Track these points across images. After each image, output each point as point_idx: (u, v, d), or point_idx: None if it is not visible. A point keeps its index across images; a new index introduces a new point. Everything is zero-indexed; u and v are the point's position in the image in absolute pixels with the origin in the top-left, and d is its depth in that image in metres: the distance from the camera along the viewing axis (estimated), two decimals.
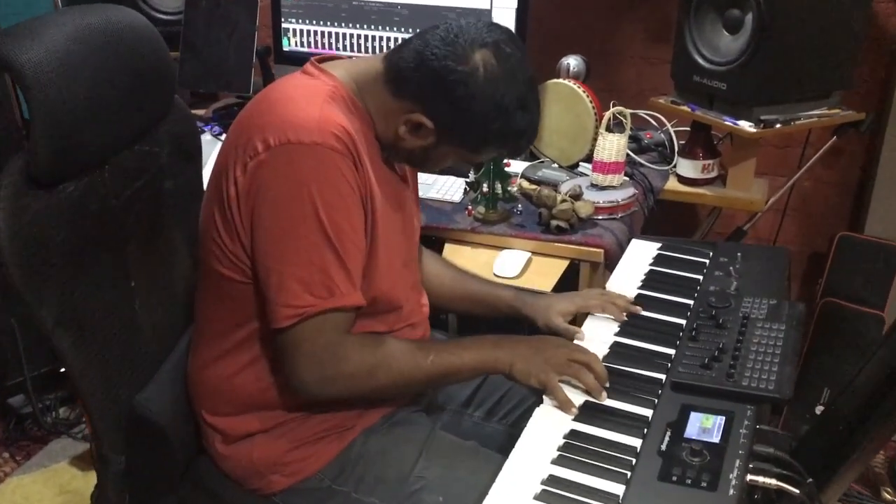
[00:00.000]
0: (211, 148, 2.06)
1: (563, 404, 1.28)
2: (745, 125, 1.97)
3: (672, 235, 1.97)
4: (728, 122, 2.00)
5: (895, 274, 2.33)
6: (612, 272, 1.85)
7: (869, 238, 2.37)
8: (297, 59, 2.48)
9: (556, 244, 1.88)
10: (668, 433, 1.20)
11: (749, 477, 1.12)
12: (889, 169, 2.30)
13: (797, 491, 1.14)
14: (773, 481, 1.14)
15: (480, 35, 1.26)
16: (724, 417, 1.22)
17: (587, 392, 1.31)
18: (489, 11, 2.24)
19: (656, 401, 1.29)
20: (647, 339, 1.46)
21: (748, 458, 1.14)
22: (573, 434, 1.23)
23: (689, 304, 1.56)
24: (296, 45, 2.50)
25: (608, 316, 1.53)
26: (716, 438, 1.18)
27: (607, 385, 1.33)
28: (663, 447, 1.18)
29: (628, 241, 1.88)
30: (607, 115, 2.00)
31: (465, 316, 1.69)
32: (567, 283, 1.84)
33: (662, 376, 1.36)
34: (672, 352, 1.42)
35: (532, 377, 1.33)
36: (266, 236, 1.24)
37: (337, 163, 1.23)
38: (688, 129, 2.28)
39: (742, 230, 2.29)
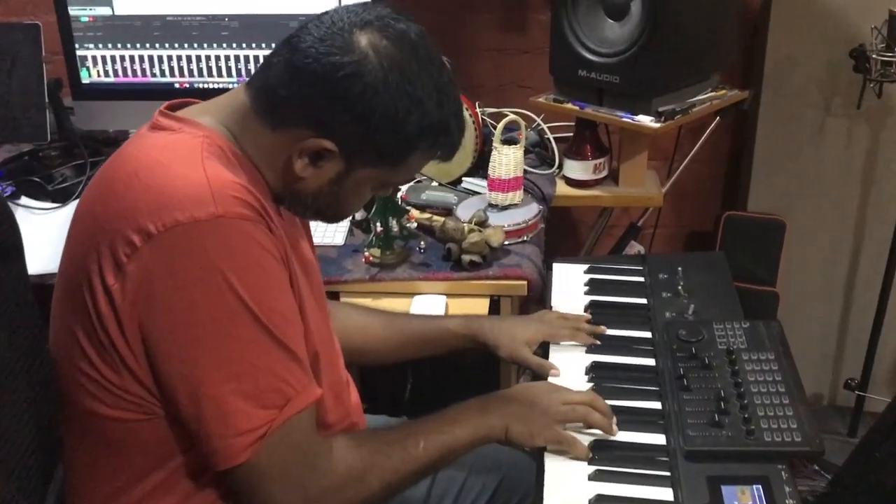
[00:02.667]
0: None
1: (582, 454, 1.13)
2: (647, 120, 1.82)
3: (561, 244, 1.81)
4: (626, 119, 1.84)
5: (782, 248, 2.31)
6: (536, 304, 1.66)
7: (753, 215, 2.33)
8: (103, 93, 2.05)
9: (473, 282, 1.64)
10: None
11: None
12: (765, 145, 2.26)
13: None
14: None
15: (357, 15, 0.99)
16: (760, 486, 1.05)
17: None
18: None
19: (672, 475, 1.10)
20: (629, 396, 1.26)
21: None
22: None
23: (651, 338, 1.38)
24: (98, 75, 2.05)
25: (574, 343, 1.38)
26: None
27: (615, 421, 1.18)
28: None
29: (544, 266, 1.69)
30: (500, 126, 1.77)
31: (407, 362, 1.45)
32: None
33: (662, 438, 1.17)
34: (658, 405, 1.24)
35: (536, 437, 1.15)
36: (179, 355, 0.93)
37: (249, 233, 0.95)
38: (563, 124, 2.12)
39: (637, 226, 2.16)
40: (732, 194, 2.46)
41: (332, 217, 1.13)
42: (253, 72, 1.10)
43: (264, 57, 1.05)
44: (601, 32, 1.84)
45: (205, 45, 2.01)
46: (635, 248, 2.17)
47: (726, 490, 1.05)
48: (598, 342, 1.38)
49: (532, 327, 1.38)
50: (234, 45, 2.00)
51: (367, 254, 1.68)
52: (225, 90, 2.02)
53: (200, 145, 0.98)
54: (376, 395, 2.02)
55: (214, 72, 2.02)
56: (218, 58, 2.01)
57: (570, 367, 1.33)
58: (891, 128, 2.16)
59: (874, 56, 1.95)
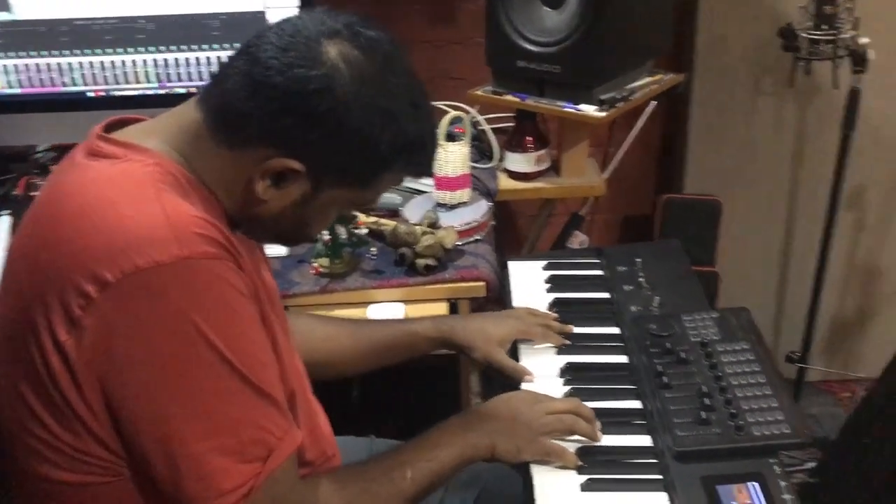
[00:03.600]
0: None
1: (571, 462, 1.10)
2: (591, 110, 1.78)
3: (500, 238, 1.77)
4: (569, 109, 1.80)
5: (718, 228, 2.33)
6: (492, 303, 1.61)
7: (690, 197, 2.34)
8: (7, 105, 1.89)
9: (429, 286, 1.58)
10: None
11: None
12: (699, 127, 2.27)
13: None
14: None
15: (324, 23, 0.91)
16: (756, 484, 1.03)
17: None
18: (263, 14, 1.83)
19: (665, 478, 1.07)
20: (606, 396, 1.23)
21: None
22: None
23: (620, 334, 1.36)
24: (1, 86, 1.89)
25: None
26: None
27: (599, 427, 1.15)
28: None
29: (499, 264, 1.64)
30: (444, 121, 1.71)
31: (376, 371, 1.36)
32: None
33: (648, 439, 1.14)
34: (640, 404, 1.21)
35: (523, 452, 1.11)
36: (150, 413, 0.84)
37: (218, 273, 0.86)
38: (499, 115, 2.07)
39: (580, 216, 2.13)
40: (669, 178, 2.47)
41: (294, 241, 1.06)
42: (198, 83, 1.01)
43: (216, 69, 0.96)
44: (538, 22, 1.80)
45: (119, 50, 1.86)
46: (579, 237, 2.14)
47: (722, 490, 1.03)
48: (569, 342, 1.34)
49: (505, 325, 1.33)
50: (152, 49, 1.86)
51: (314, 264, 1.59)
52: (144, 97, 1.97)
53: (153, 176, 0.89)
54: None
55: (131, 78, 1.88)
56: (134, 63, 1.87)
57: (544, 370, 1.29)
58: (818, 105, 2.20)
59: (802, 34, 1.97)
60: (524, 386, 1.26)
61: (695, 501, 1.02)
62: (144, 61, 1.87)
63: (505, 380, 1.29)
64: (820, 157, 2.23)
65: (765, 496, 1.01)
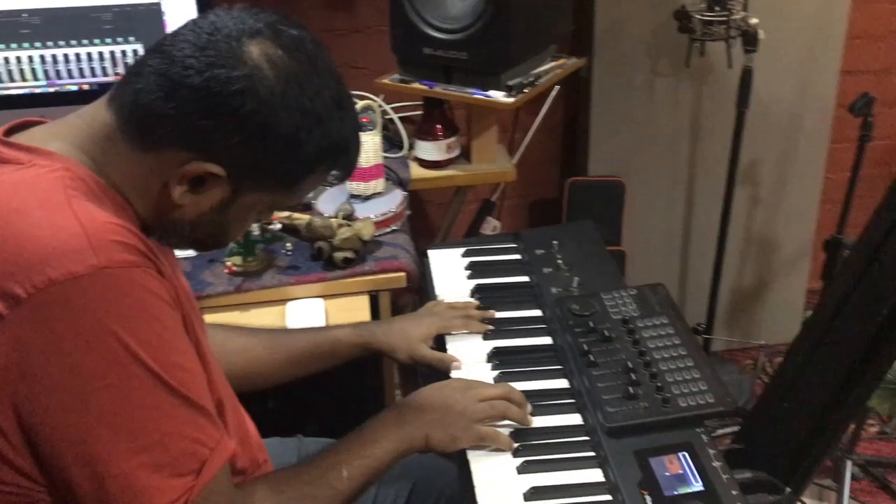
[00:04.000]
0: None
1: (506, 445, 1.11)
2: (500, 95, 1.79)
3: (412, 228, 1.76)
4: (478, 95, 1.81)
5: (623, 207, 2.39)
6: (415, 293, 1.61)
7: (594, 179, 2.39)
8: None
9: (349, 280, 1.55)
10: (648, 497, 1.01)
11: None
12: (601, 110, 2.32)
13: None
14: None
15: (244, 21, 0.87)
16: (685, 453, 1.07)
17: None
18: (158, 6, 1.75)
19: (598, 455, 1.09)
20: (534, 377, 1.24)
21: (745, 499, 1.00)
22: None
23: (542, 316, 1.37)
24: None
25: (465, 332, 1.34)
26: (698, 485, 1.02)
27: (530, 409, 1.16)
28: None
29: (418, 253, 1.63)
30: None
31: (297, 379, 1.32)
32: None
33: (578, 418, 1.16)
34: (567, 383, 1.22)
35: (458, 441, 1.11)
36: (73, 435, 0.79)
37: (138, 281, 0.82)
38: (406, 104, 2.06)
39: (491, 202, 2.15)
40: (573, 161, 2.51)
41: (211, 246, 1.01)
42: (111, 83, 0.93)
43: (128, 67, 0.91)
44: (443, 8, 1.80)
45: (2, 46, 1.75)
46: (492, 223, 2.16)
47: (654, 462, 1.06)
48: (492, 327, 1.35)
49: (424, 323, 1.33)
50: (38, 45, 1.76)
51: (228, 263, 1.54)
52: (32, 96, 1.86)
53: (61, 181, 0.83)
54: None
55: (16, 76, 1.77)
56: (19, 59, 1.76)
57: (471, 357, 1.29)
58: (712, 84, 2.28)
59: (696, 16, 2.04)
60: (454, 374, 1.25)
61: (629, 475, 1.04)
62: (30, 58, 1.76)
63: (435, 373, 1.29)
64: (716, 136, 2.32)
65: (695, 464, 1.05)
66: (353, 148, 0.96)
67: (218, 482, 0.86)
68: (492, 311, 1.37)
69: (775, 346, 2.64)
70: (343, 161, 0.96)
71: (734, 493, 1.00)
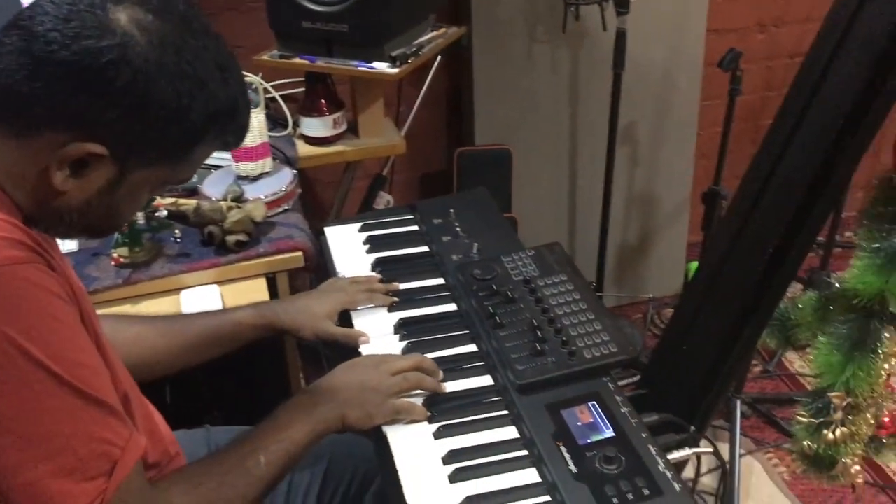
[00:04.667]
0: None
1: (422, 415, 1.10)
2: (384, 67, 1.78)
3: (307, 207, 1.75)
4: (362, 68, 1.79)
5: (511, 174, 2.43)
6: (312, 273, 1.58)
7: (482, 148, 2.41)
8: None
9: (243, 263, 1.51)
10: (563, 448, 1.03)
11: (670, 458, 1.03)
12: (483, 79, 2.34)
13: (710, 450, 1.08)
14: (689, 452, 1.06)
15: None
16: (594, 402, 1.10)
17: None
18: None
19: (511, 412, 1.11)
20: (443, 345, 1.24)
21: (655, 440, 1.04)
22: (469, 502, 0.98)
23: (445, 284, 1.38)
24: None
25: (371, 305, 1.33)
26: (609, 431, 1.05)
27: (440, 374, 1.17)
28: (573, 468, 1.00)
29: (314, 232, 1.61)
30: None
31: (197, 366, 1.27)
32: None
33: (489, 379, 1.18)
34: (475, 347, 1.24)
35: (374, 417, 1.09)
36: None
37: (29, 278, 0.78)
38: (287, 81, 2.02)
39: (383, 176, 2.13)
40: (460, 131, 2.52)
41: (102, 232, 0.96)
42: None
43: None
44: None
45: None
46: (384, 198, 2.15)
47: (566, 413, 1.08)
48: (397, 300, 1.34)
49: (328, 300, 1.30)
50: None
51: (114, 255, 1.48)
52: None
53: None
54: None
55: None
56: None
57: (378, 330, 1.28)
58: (588, 48, 2.34)
59: None
60: (363, 349, 1.24)
61: (542, 429, 1.06)
62: None
63: (343, 349, 1.27)
64: (595, 99, 2.39)
65: (604, 412, 1.08)
66: (243, 110, 0.92)
67: (131, 481, 0.83)
68: (395, 284, 1.37)
69: (662, 298, 2.76)
70: (233, 125, 0.92)
71: (644, 435, 1.04)
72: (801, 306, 1.23)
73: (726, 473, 1.07)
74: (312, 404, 1.07)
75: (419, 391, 1.14)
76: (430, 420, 1.11)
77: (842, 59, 0.99)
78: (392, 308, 1.33)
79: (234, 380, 1.77)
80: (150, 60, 0.81)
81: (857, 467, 1.09)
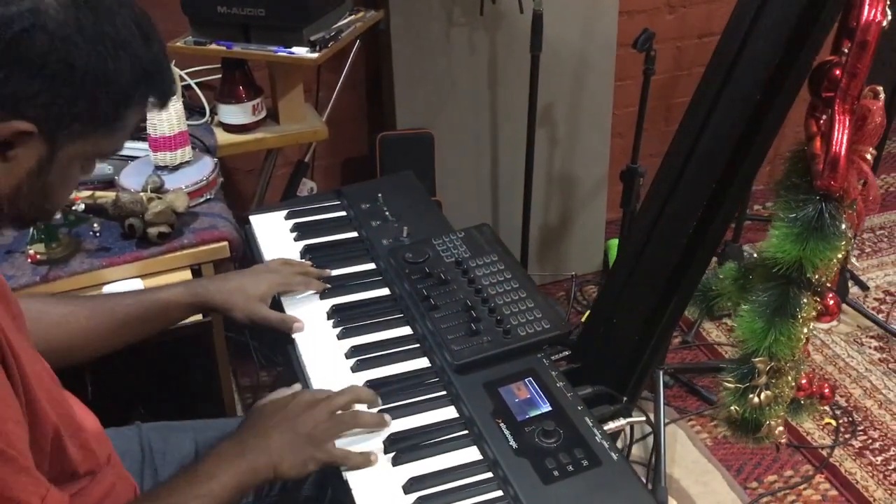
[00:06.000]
0: None
1: (364, 463, 1.02)
2: (304, 52, 1.75)
3: (228, 197, 1.71)
4: (281, 53, 1.76)
5: (434, 158, 2.43)
6: (238, 263, 1.56)
7: (403, 132, 2.40)
8: None
9: (167, 256, 1.48)
10: (502, 425, 1.05)
11: (606, 429, 1.06)
12: (402, 63, 2.32)
13: (643, 418, 1.12)
14: (623, 421, 1.09)
15: None
16: (531, 378, 1.12)
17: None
18: None
19: (449, 392, 1.12)
20: (377, 329, 1.25)
21: (590, 412, 1.07)
22: (412, 483, 0.99)
23: (376, 268, 1.38)
24: None
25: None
26: (546, 406, 1.08)
27: (379, 402, 1.10)
28: (513, 444, 1.02)
29: (238, 222, 1.58)
30: None
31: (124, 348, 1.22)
32: None
33: (425, 361, 1.19)
34: (410, 330, 1.24)
35: (310, 463, 1.02)
36: None
37: None
38: (202, 68, 1.98)
39: (305, 163, 2.11)
40: (381, 116, 2.51)
41: (36, 219, 0.90)
42: None
43: None
44: None
45: None
46: (308, 185, 2.13)
47: (504, 391, 1.10)
48: (329, 286, 1.33)
49: (263, 280, 1.27)
50: None
51: (30, 251, 1.42)
52: None
53: None
54: None
55: None
56: None
57: (311, 317, 1.27)
58: (506, 30, 2.35)
59: None
60: (297, 337, 1.22)
61: (481, 407, 1.08)
62: None
63: (274, 334, 1.25)
64: (513, 82, 2.41)
65: (541, 387, 1.10)
66: (166, 68, 0.89)
67: None
68: (328, 270, 1.35)
69: (583, 275, 2.82)
70: (158, 84, 0.88)
71: (580, 408, 1.07)
72: (721, 276, 1.28)
73: (656, 435, 1.10)
74: (240, 454, 1.00)
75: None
76: (370, 406, 1.10)
77: (755, 36, 1.03)
78: (324, 295, 1.31)
79: (161, 374, 1.73)
80: (67, 24, 0.77)
81: (781, 428, 1.14)
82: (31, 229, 1.40)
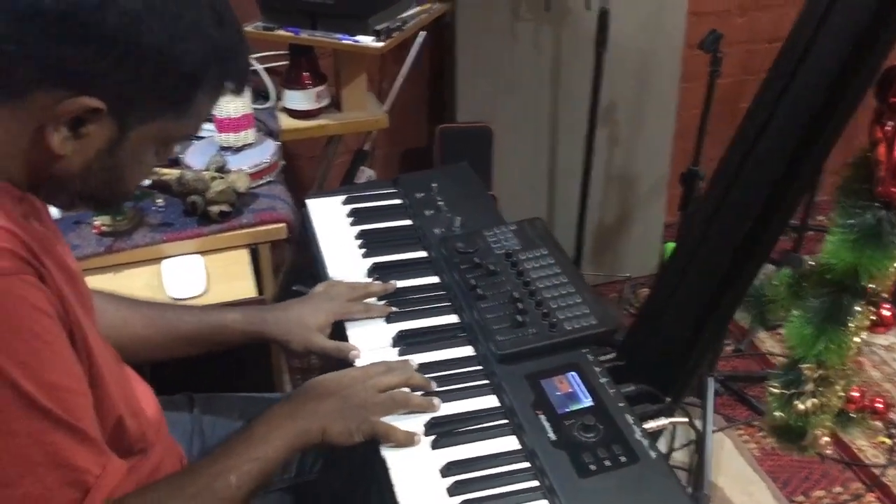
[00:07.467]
0: None
1: (407, 441, 1.04)
2: (368, 40, 1.78)
3: (289, 181, 1.74)
4: (346, 41, 1.79)
5: (492, 152, 2.44)
6: (294, 245, 1.59)
7: (463, 125, 2.42)
8: None
9: (226, 234, 1.52)
10: (542, 417, 1.06)
11: (646, 427, 1.05)
12: (466, 56, 2.34)
13: (685, 419, 1.11)
14: (665, 421, 1.08)
15: None
16: (574, 373, 1.12)
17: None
18: None
19: (492, 382, 1.13)
20: (424, 315, 1.26)
21: (632, 410, 1.06)
22: (450, 467, 1.01)
23: (427, 257, 1.39)
24: None
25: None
26: (588, 401, 1.08)
27: (434, 387, 1.12)
28: (552, 436, 1.03)
29: (297, 204, 1.61)
30: None
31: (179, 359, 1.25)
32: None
33: (471, 349, 1.19)
34: (457, 318, 1.26)
35: (355, 434, 1.03)
36: None
37: (14, 292, 0.75)
38: (270, 53, 2.02)
39: (364, 151, 2.14)
40: (442, 107, 2.53)
41: (109, 199, 0.92)
42: None
43: None
44: None
45: None
46: (366, 173, 2.16)
47: (546, 383, 1.10)
48: (395, 309, 1.27)
49: (322, 310, 1.23)
50: None
51: (96, 223, 1.47)
52: None
53: None
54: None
55: None
56: None
57: (372, 349, 1.21)
58: (571, 26, 2.35)
59: None
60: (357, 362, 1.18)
61: (522, 398, 1.08)
62: None
63: (334, 362, 1.23)
64: (576, 77, 2.40)
65: (583, 382, 1.10)
66: (242, 50, 0.88)
67: None
68: (392, 283, 1.30)
69: (638, 278, 2.79)
70: (233, 68, 0.87)
71: (621, 404, 1.07)
72: (776, 283, 1.26)
73: (702, 441, 1.10)
74: (292, 417, 1.03)
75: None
76: (413, 389, 1.12)
77: (822, 38, 1.01)
78: (393, 319, 1.26)
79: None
80: (136, 3, 0.77)
81: (827, 439, 1.12)
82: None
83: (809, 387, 1.01)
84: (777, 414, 1.05)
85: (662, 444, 1.23)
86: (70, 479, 0.78)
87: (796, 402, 1.03)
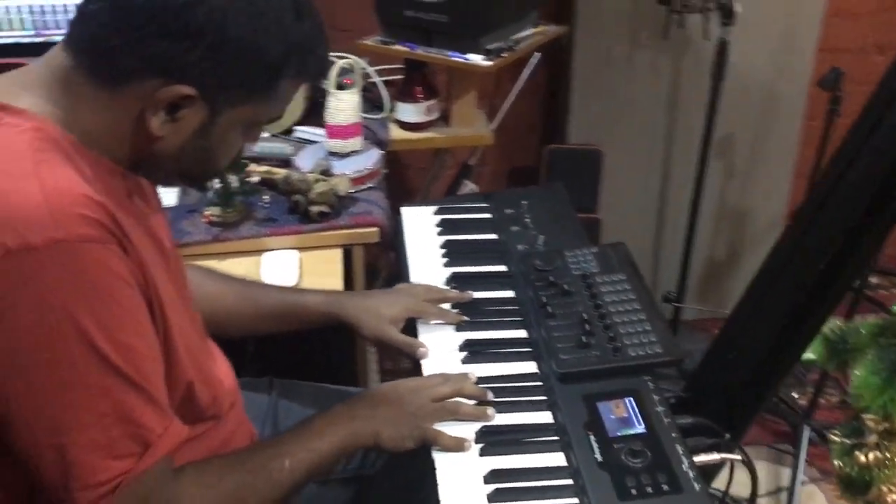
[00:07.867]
0: None
1: (456, 447, 1.07)
2: (478, 59, 1.83)
3: (397, 190, 1.81)
4: (457, 59, 1.85)
5: (600, 175, 2.44)
6: (387, 250, 1.65)
7: (573, 146, 2.44)
8: None
9: (323, 233, 1.60)
10: (592, 437, 1.07)
11: (696, 460, 1.04)
12: (581, 78, 2.36)
13: (739, 457, 1.10)
14: (717, 456, 1.07)
15: None
16: (631, 398, 1.12)
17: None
18: None
19: (549, 399, 1.15)
20: (494, 327, 1.30)
21: (684, 441, 1.06)
22: (494, 474, 1.03)
23: (507, 271, 1.43)
24: None
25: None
26: (640, 427, 1.08)
27: (490, 397, 1.15)
28: (599, 457, 1.04)
29: (392, 210, 1.68)
30: (334, 69, 1.72)
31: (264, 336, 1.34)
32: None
33: (534, 365, 1.22)
34: (525, 334, 1.28)
35: (406, 440, 1.09)
36: (20, 403, 0.81)
37: (98, 258, 0.82)
38: (389, 67, 2.10)
39: (469, 166, 2.19)
40: (552, 128, 2.55)
41: (200, 177, 1.02)
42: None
43: (77, 7, 0.89)
44: None
45: None
46: (468, 186, 2.21)
47: (602, 406, 1.11)
48: (467, 318, 1.30)
49: (399, 303, 1.29)
50: None
51: (207, 213, 1.59)
52: (18, 45, 1.89)
53: (30, 144, 0.82)
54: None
55: (4, 24, 1.81)
56: (7, 8, 1.79)
57: (440, 350, 1.25)
58: (691, 56, 2.33)
59: None
60: (423, 362, 1.23)
61: (577, 417, 1.10)
62: (19, 7, 1.79)
63: (401, 356, 1.29)
64: (692, 107, 2.36)
65: (639, 409, 1.11)
66: (319, 45, 0.95)
67: (157, 469, 0.87)
68: (469, 293, 1.34)
69: None
70: (313, 59, 0.94)
71: (674, 434, 1.06)
72: (862, 331, 1.22)
73: (755, 480, 1.08)
74: (350, 417, 1.09)
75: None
76: (476, 401, 1.14)
77: None
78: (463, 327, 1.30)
79: (301, 335, 1.87)
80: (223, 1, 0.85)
81: (895, 496, 1.08)
82: (212, 193, 1.57)
83: (872, 438, 0.97)
84: (837, 462, 1.01)
85: (722, 483, 1.20)
86: (133, 434, 0.85)
87: (857, 454, 0.99)
